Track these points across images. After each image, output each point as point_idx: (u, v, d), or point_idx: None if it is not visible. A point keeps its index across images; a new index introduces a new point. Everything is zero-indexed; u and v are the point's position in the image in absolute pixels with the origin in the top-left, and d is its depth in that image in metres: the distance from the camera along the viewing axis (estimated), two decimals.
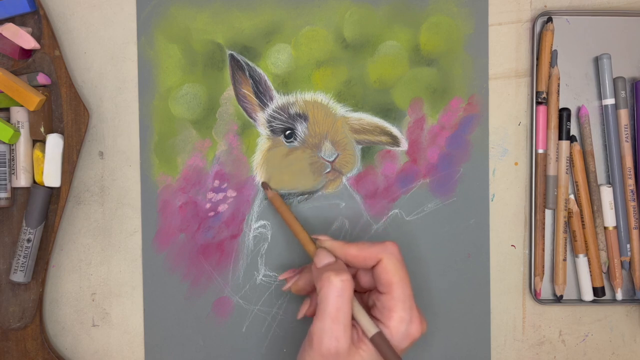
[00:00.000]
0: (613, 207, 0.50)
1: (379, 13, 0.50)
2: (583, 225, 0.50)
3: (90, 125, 0.50)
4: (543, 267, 0.50)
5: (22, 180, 0.48)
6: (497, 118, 0.51)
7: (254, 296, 0.50)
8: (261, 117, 0.50)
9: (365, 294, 0.45)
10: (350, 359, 0.40)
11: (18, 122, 0.47)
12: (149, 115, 0.50)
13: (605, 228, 0.51)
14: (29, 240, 0.47)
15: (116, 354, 0.51)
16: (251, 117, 0.50)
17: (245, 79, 0.50)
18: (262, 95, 0.50)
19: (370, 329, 0.41)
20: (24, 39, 0.47)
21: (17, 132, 0.47)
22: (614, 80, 0.50)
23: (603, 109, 0.51)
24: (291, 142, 0.50)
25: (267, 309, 0.50)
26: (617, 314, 0.52)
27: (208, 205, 0.50)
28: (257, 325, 0.50)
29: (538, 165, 0.50)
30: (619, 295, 0.51)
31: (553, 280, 0.51)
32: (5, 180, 0.47)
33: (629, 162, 0.50)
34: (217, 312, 0.50)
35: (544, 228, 0.50)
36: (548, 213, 0.51)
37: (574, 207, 0.50)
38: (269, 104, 0.50)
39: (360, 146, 0.50)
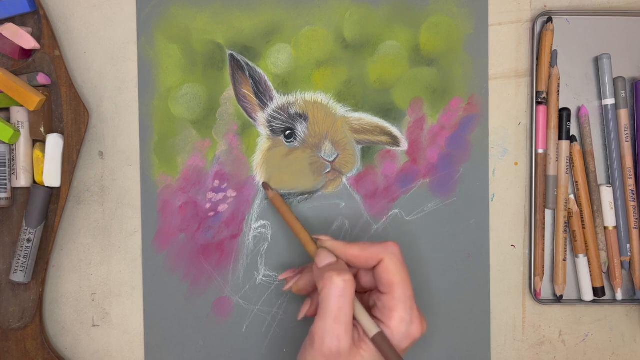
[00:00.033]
0: (613, 207, 0.50)
1: (379, 13, 0.50)
2: (583, 225, 0.51)
3: (90, 125, 0.50)
4: (543, 267, 0.50)
5: (22, 180, 0.48)
6: (497, 118, 0.51)
7: (254, 296, 0.50)
8: (261, 117, 0.50)
9: (366, 294, 0.45)
10: (351, 358, 0.40)
11: (18, 122, 0.47)
12: (149, 115, 0.50)
13: (605, 228, 0.51)
14: (29, 240, 0.47)
15: (116, 354, 0.51)
16: (251, 117, 0.50)
17: (245, 79, 0.50)
18: (262, 95, 0.50)
19: (372, 328, 0.41)
20: (24, 39, 0.47)
21: (17, 132, 0.47)
22: (614, 80, 0.50)
23: (603, 109, 0.51)
24: (291, 142, 0.50)
25: (267, 309, 0.50)
26: (617, 314, 0.52)
27: (208, 205, 0.50)
28: (257, 325, 0.50)
29: (538, 165, 0.50)
30: (619, 295, 0.51)
31: (553, 280, 0.51)
32: (5, 180, 0.47)
33: (629, 162, 0.50)
34: (217, 312, 0.50)
35: (544, 228, 0.50)
36: (548, 213, 0.51)
37: (574, 207, 0.50)
38: (269, 104, 0.50)
39: (360, 146, 0.50)
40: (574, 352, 0.52)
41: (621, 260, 0.51)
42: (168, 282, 0.50)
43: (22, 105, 0.47)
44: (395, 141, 0.51)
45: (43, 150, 0.47)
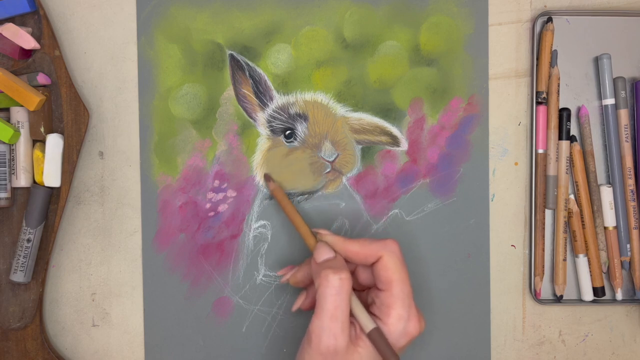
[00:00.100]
0: (613, 207, 0.50)
1: (379, 13, 0.50)
2: (583, 225, 0.50)
3: (90, 125, 0.50)
4: (543, 267, 0.50)
5: (22, 180, 0.48)
6: (497, 118, 0.51)
7: (254, 296, 0.50)
8: (261, 117, 0.50)
9: (364, 292, 0.45)
10: (348, 356, 0.40)
11: (18, 122, 0.48)
12: (149, 115, 0.50)
13: (605, 228, 0.51)
14: (29, 240, 0.47)
15: (116, 354, 0.51)
16: (251, 117, 0.50)
17: (245, 79, 0.50)
18: (262, 95, 0.50)
19: (368, 324, 0.41)
20: (24, 39, 0.47)
21: (17, 132, 0.47)
22: (614, 80, 0.50)
23: (603, 109, 0.51)
24: (291, 142, 0.50)
25: (267, 309, 0.50)
26: (617, 314, 0.52)
27: (208, 205, 0.50)
28: (257, 325, 0.50)
29: (538, 165, 0.50)
30: (619, 295, 0.51)
31: (553, 280, 0.51)
32: (5, 180, 0.47)
33: (629, 162, 0.50)
34: (217, 312, 0.50)
35: (544, 228, 0.50)
36: (548, 213, 0.51)
37: (574, 207, 0.50)
38: (269, 104, 0.50)
39: (360, 146, 0.50)
40: (574, 352, 0.52)
41: (621, 260, 0.51)
42: (168, 282, 0.50)
43: (22, 105, 0.47)
44: (395, 141, 0.51)
45: (43, 150, 0.47)
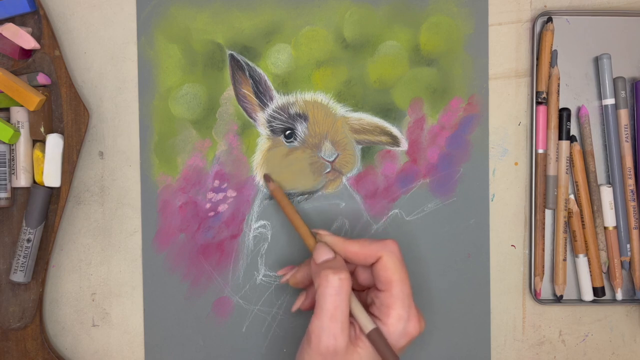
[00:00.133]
0: (613, 207, 0.50)
1: (379, 13, 0.50)
2: (583, 225, 0.50)
3: (90, 125, 0.50)
4: (543, 267, 0.50)
5: (22, 180, 0.48)
6: (497, 118, 0.51)
7: (254, 296, 0.50)
8: (261, 117, 0.50)
9: (364, 292, 0.45)
10: (348, 357, 0.40)
11: (18, 122, 0.48)
12: (149, 115, 0.50)
13: (605, 228, 0.51)
14: (29, 240, 0.47)
15: (116, 354, 0.51)
16: (251, 117, 0.50)
17: (245, 79, 0.50)
18: (262, 95, 0.50)
19: (368, 325, 0.41)
20: (24, 39, 0.47)
21: (17, 132, 0.47)
22: (614, 80, 0.50)
23: (603, 109, 0.51)
24: (291, 142, 0.50)
25: (267, 309, 0.50)
26: (617, 314, 0.52)
27: (208, 205, 0.50)
28: (257, 325, 0.50)
29: (538, 165, 0.50)
30: (619, 295, 0.51)
31: (553, 280, 0.51)
32: (5, 180, 0.47)
33: (629, 162, 0.50)
34: (217, 312, 0.50)
35: (544, 228, 0.50)
36: (548, 213, 0.51)
37: (574, 207, 0.50)
38: (269, 104, 0.50)
39: (360, 146, 0.50)
40: (574, 352, 0.52)
41: (621, 260, 0.51)
42: (168, 282, 0.50)
43: (22, 105, 0.47)
44: (395, 141, 0.51)
45: (43, 150, 0.47)
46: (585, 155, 0.51)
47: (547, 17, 0.50)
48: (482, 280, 0.51)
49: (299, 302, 0.46)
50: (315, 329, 0.40)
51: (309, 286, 0.47)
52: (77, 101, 0.48)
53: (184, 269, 0.50)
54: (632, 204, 0.50)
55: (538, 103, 0.50)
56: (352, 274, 0.45)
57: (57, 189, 0.48)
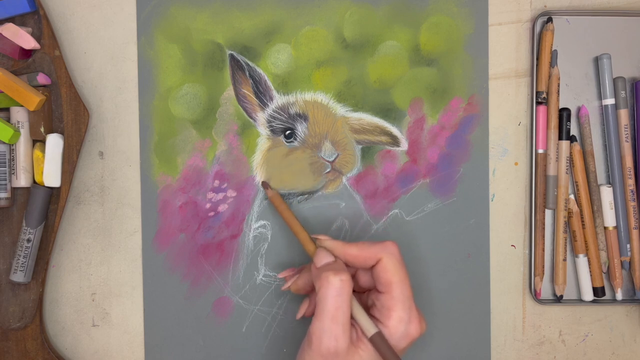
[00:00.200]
0: (613, 207, 0.50)
1: (379, 13, 0.50)
2: (583, 225, 0.50)
3: (90, 125, 0.50)
4: (543, 267, 0.50)
5: (22, 180, 0.48)
6: (497, 118, 0.51)
7: (254, 296, 0.50)
8: (261, 117, 0.50)
9: (365, 294, 0.45)
10: (349, 358, 0.40)
11: (18, 122, 0.48)
12: (149, 115, 0.50)
13: (605, 228, 0.51)
14: (29, 240, 0.47)
15: (116, 354, 0.51)
16: (251, 117, 0.50)
17: (245, 79, 0.50)
18: (262, 95, 0.50)
19: (370, 328, 0.41)
20: (24, 39, 0.47)
21: (17, 132, 0.47)
22: (614, 80, 0.50)
23: (603, 109, 0.51)
24: (291, 142, 0.50)
25: (267, 309, 0.50)
26: (617, 314, 0.52)
27: (208, 205, 0.50)
28: (257, 325, 0.50)
29: (538, 165, 0.50)
30: (619, 295, 0.51)
31: (553, 280, 0.51)
32: (5, 180, 0.47)
33: (629, 162, 0.50)
34: (217, 312, 0.50)
35: (544, 228, 0.50)
36: (548, 213, 0.51)
37: (574, 207, 0.50)
38: (269, 104, 0.50)
39: (360, 146, 0.50)
40: (574, 352, 0.52)
41: (621, 260, 0.51)
42: (168, 282, 0.50)
43: (22, 105, 0.47)
44: (395, 141, 0.51)
45: (43, 150, 0.47)
46: (585, 155, 0.51)
47: (547, 17, 0.50)
48: (482, 280, 0.51)
49: (303, 310, 0.46)
50: (316, 330, 0.40)
51: (310, 292, 0.47)
52: (77, 101, 0.48)
53: (184, 269, 0.50)
54: (632, 204, 0.50)
55: (538, 103, 0.50)
56: (353, 276, 0.45)
57: (57, 189, 0.48)
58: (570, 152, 0.50)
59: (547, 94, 0.50)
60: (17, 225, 0.48)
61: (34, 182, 0.48)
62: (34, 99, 0.46)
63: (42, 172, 0.47)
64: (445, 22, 0.50)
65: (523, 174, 0.51)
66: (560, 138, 0.50)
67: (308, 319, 0.45)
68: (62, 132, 0.48)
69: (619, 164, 0.50)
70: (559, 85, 0.50)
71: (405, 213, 0.51)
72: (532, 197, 0.50)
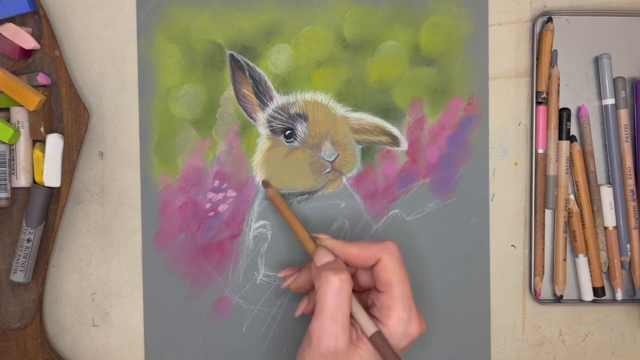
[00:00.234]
0: (613, 207, 0.50)
1: (379, 13, 0.50)
2: (583, 225, 0.50)
3: (90, 125, 0.50)
4: (543, 267, 0.50)
5: (22, 180, 0.48)
6: (497, 118, 0.51)
7: (254, 296, 0.50)
8: (261, 117, 0.50)
9: (365, 293, 0.45)
10: (349, 358, 0.40)
11: (18, 122, 0.48)
12: (149, 115, 0.50)
13: (605, 228, 0.51)
14: (29, 240, 0.47)
15: (116, 354, 0.51)
16: (251, 117, 0.50)
17: (245, 79, 0.50)
18: (262, 95, 0.50)
19: (369, 328, 0.41)
20: (24, 39, 0.47)
21: (17, 132, 0.47)
22: (614, 80, 0.50)
23: (603, 109, 0.51)
24: (291, 142, 0.50)
25: (267, 309, 0.50)
26: (617, 314, 0.52)
27: (208, 205, 0.50)
28: (257, 325, 0.50)
29: (538, 165, 0.50)
30: (619, 295, 0.51)
31: (553, 280, 0.51)
32: (5, 180, 0.47)
33: (629, 162, 0.50)
34: (217, 312, 0.50)
35: (544, 228, 0.50)
36: (548, 213, 0.51)
37: (574, 207, 0.50)
38: (269, 104, 0.50)
39: (360, 146, 0.50)
40: (574, 352, 0.52)
41: (621, 260, 0.51)
42: (168, 282, 0.50)
43: (22, 105, 0.47)
44: (395, 141, 0.51)
45: (43, 150, 0.47)
46: (585, 155, 0.51)
47: (547, 17, 0.50)
48: (482, 280, 0.51)
49: (302, 307, 0.46)
50: (316, 330, 0.40)
51: (310, 290, 0.47)
52: (77, 101, 0.48)
53: (184, 269, 0.50)
54: (632, 204, 0.50)
55: (538, 103, 0.50)
56: (353, 276, 0.45)
57: (57, 189, 0.48)
58: (570, 152, 0.50)
59: (547, 94, 0.50)
60: (17, 225, 0.48)
61: (34, 182, 0.48)
62: (34, 99, 0.46)
63: (42, 172, 0.47)
64: (445, 22, 0.50)
65: (523, 174, 0.51)
66: (560, 138, 0.50)
67: (308, 318, 0.45)
68: (62, 132, 0.48)
69: (619, 164, 0.50)
70: (559, 85, 0.50)
71: (405, 213, 0.51)
72: (532, 197, 0.50)
